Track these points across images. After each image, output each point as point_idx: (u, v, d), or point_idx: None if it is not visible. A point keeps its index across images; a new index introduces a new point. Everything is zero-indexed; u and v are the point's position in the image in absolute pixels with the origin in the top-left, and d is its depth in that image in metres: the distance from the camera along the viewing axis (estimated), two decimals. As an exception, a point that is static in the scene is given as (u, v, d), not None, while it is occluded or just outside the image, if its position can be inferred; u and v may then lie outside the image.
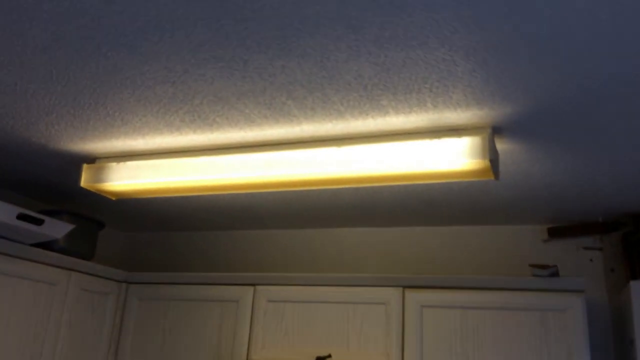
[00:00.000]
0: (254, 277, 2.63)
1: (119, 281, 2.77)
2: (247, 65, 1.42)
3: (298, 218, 2.78)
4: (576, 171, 2.00)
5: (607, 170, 1.97)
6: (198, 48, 1.36)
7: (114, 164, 2.07)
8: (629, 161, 1.87)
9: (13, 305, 2.23)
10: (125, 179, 2.07)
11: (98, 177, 2.09)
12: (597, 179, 2.05)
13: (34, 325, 2.31)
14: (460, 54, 1.31)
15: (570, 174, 2.03)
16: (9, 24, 1.31)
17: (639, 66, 1.32)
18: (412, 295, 2.39)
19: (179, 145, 1.97)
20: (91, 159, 2.16)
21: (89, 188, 2.11)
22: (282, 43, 1.32)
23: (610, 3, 1.10)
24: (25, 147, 2.10)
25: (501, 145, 1.81)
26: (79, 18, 1.26)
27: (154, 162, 2.01)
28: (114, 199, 2.26)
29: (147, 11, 1.22)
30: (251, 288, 2.63)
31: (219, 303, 2.66)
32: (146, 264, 3.32)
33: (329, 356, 2.42)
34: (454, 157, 1.65)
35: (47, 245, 2.41)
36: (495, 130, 1.70)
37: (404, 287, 2.42)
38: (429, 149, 1.68)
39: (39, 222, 2.14)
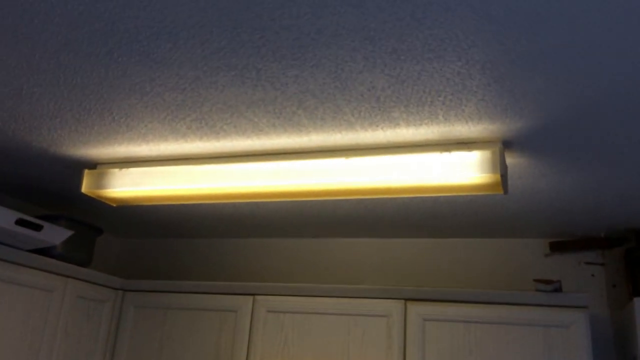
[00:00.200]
0: (254, 286, 2.60)
1: (115, 289, 2.73)
2: (259, 74, 1.41)
3: (299, 227, 2.76)
4: (581, 186, 1.99)
5: (611, 186, 1.96)
6: (211, 56, 1.34)
7: (116, 170, 2.04)
8: (634, 177, 1.87)
9: (9, 312, 2.18)
10: (127, 186, 2.04)
11: (99, 183, 2.06)
12: (601, 194, 2.04)
13: (30, 332, 2.27)
14: (477, 67, 1.30)
15: (575, 189, 2.02)
16: (19, 27, 1.28)
17: (655, 84, 1.31)
18: (415, 308, 2.37)
19: (184, 152, 1.94)
20: (92, 165, 2.13)
21: (90, 194, 2.08)
22: (297, 53, 1.30)
23: (626, 23, 1.10)
24: (26, 151, 2.06)
25: (509, 159, 1.80)
26: (93, 23, 1.24)
27: (157, 169, 1.99)
28: (114, 205, 2.23)
29: (163, 17, 1.20)
30: (250, 298, 2.60)
31: (217, 313, 2.62)
32: (144, 272, 3.28)
33: (329, 368, 2.40)
34: (464, 170, 1.64)
35: (44, 251, 2.37)
36: (505, 144, 1.69)
37: (406, 299, 2.40)
38: (439, 162, 1.67)
39: (38, 227, 2.10)
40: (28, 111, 1.72)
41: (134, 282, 2.76)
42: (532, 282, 2.60)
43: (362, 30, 1.20)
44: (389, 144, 1.74)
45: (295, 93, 1.49)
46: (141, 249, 3.33)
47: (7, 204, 2.64)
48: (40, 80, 1.52)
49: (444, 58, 1.27)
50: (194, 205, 2.51)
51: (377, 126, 1.64)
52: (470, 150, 1.65)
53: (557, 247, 2.66)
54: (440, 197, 2.16)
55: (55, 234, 2.16)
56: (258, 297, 2.58)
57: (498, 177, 1.61)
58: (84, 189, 2.05)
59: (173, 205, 2.52)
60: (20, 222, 2.02)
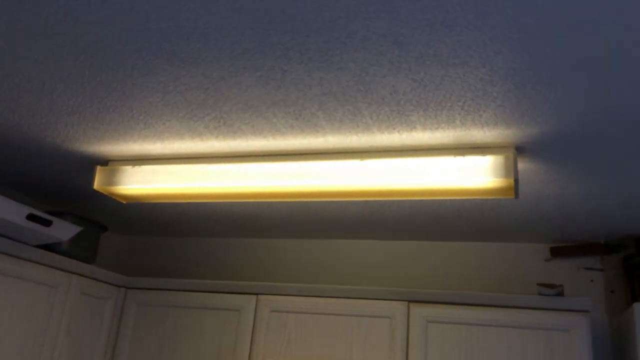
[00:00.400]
0: (257, 286, 2.61)
1: (117, 286, 2.74)
2: (285, 76, 1.43)
3: (304, 228, 2.78)
4: (586, 194, 2.03)
5: (615, 195, 2.01)
6: (239, 56, 1.36)
7: (128, 167, 2.05)
8: (637, 187, 1.91)
9: (15, 307, 2.18)
10: (139, 183, 2.05)
11: (111, 179, 2.07)
12: (604, 202, 2.09)
13: (34, 328, 2.27)
14: (499, 74, 1.33)
15: (580, 196, 2.06)
16: (51, 25, 1.30)
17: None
18: (418, 310, 2.40)
19: (198, 151, 1.96)
20: (103, 162, 2.14)
21: (102, 191, 2.09)
22: (324, 55, 1.33)
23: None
24: (37, 147, 2.07)
25: (519, 165, 1.84)
26: (127, 22, 1.25)
27: (171, 167, 2.00)
28: (124, 202, 2.23)
29: (197, 18, 1.22)
30: (254, 297, 2.61)
31: (220, 311, 2.63)
32: (147, 270, 3.28)
33: (332, 368, 2.42)
34: (478, 174, 1.67)
35: (49, 247, 2.38)
36: (517, 150, 1.73)
37: (410, 301, 2.43)
38: (453, 165, 1.70)
39: (48, 223, 2.10)
40: (47, 106, 1.73)
41: (136, 280, 2.77)
42: (535, 285, 2.66)
43: (391, 35, 1.23)
44: (404, 147, 1.77)
45: (317, 95, 1.51)
46: (145, 247, 3.33)
47: (10, 198, 2.63)
48: (65, 76, 1.53)
49: (469, 64, 1.30)
50: (199, 204, 2.52)
51: (394, 129, 1.67)
52: (484, 155, 1.69)
53: (558, 252, 2.70)
54: (445, 200, 2.19)
55: (64, 230, 2.16)
56: (261, 297, 2.60)
57: (512, 181, 1.64)
58: (96, 185, 2.05)
59: (178, 203, 2.53)
60: (30, 217, 2.03)
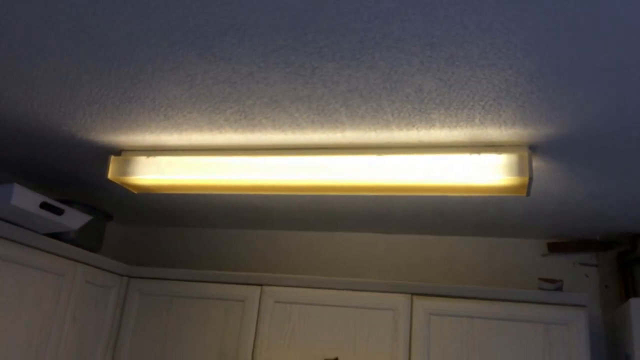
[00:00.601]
0: (262, 277, 2.64)
1: (120, 275, 2.75)
2: (314, 72, 1.46)
3: (310, 220, 2.81)
4: (589, 192, 2.09)
5: (616, 194, 2.07)
6: (272, 53, 1.38)
7: (143, 158, 2.07)
8: (637, 185, 1.98)
9: (23, 295, 2.19)
10: (153, 174, 2.06)
11: (125, 169, 2.08)
12: (605, 201, 2.15)
13: (41, 316, 2.27)
14: (525, 76, 1.37)
15: (583, 195, 2.12)
16: (86, 18, 1.31)
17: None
18: (421, 303, 2.45)
19: (214, 143, 1.98)
20: (116, 152, 2.15)
21: (115, 180, 2.10)
22: (357, 54, 1.36)
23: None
24: (52, 135, 2.07)
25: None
26: (164, 17, 1.27)
27: (187, 159, 2.02)
28: (135, 192, 2.24)
29: (236, 14, 1.24)
30: (258, 288, 2.64)
31: (224, 302, 2.66)
32: (150, 260, 3.28)
33: (336, 359, 2.46)
34: (493, 172, 1.72)
35: (56, 235, 2.38)
36: (529, 149, 1.78)
37: (413, 294, 2.48)
38: (469, 163, 1.75)
39: (60, 212, 2.11)
40: (69, 96, 1.74)
41: (139, 269, 2.78)
42: (532, 280, 2.73)
43: (425, 37, 1.26)
44: (420, 144, 1.81)
45: (343, 92, 1.54)
46: (148, 237, 3.33)
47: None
48: (92, 67, 1.54)
49: (497, 65, 1.34)
50: (205, 195, 2.54)
51: (413, 126, 1.71)
52: (499, 153, 1.73)
53: (555, 248, 2.77)
54: (452, 196, 2.24)
55: (75, 219, 2.17)
56: (266, 288, 2.63)
57: (525, 180, 1.69)
58: (110, 175, 2.06)
59: (185, 194, 2.55)
60: (43, 206, 2.03)
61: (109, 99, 1.73)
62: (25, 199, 1.94)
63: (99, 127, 1.95)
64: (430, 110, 1.60)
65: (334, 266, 2.99)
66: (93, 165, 2.34)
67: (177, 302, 2.70)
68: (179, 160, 2.04)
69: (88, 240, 2.52)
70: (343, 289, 2.54)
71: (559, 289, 2.37)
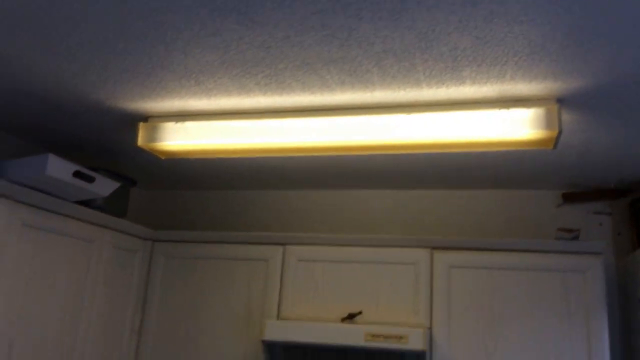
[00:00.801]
0: (284, 237, 2.69)
1: (145, 239, 2.80)
2: (350, 34, 1.47)
3: (328, 179, 2.85)
4: (612, 142, 2.12)
5: (636, 144, 2.10)
6: (311, 16, 1.40)
7: (171, 124, 2.08)
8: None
9: (56, 262, 2.24)
10: (182, 139, 2.08)
11: (154, 136, 2.10)
12: (624, 150, 2.19)
13: (74, 282, 2.33)
14: (563, 31, 1.39)
15: (605, 145, 2.16)
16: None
17: None
18: (441, 256, 2.52)
19: (243, 106, 1.99)
20: (143, 118, 2.16)
21: (144, 147, 2.12)
22: (396, 15, 1.37)
23: None
24: (79, 104, 2.08)
25: (555, 116, 1.92)
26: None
27: (215, 124, 2.04)
28: (163, 158, 2.27)
29: (281, -21, 1.25)
30: (281, 247, 2.70)
31: (248, 262, 2.72)
32: (173, 223, 3.32)
33: (360, 313, 2.54)
34: (522, 127, 1.76)
35: (84, 203, 2.41)
36: (557, 102, 1.81)
37: (433, 248, 2.55)
38: (498, 118, 1.78)
39: (91, 179, 2.14)
40: (102, 65, 1.75)
41: (163, 233, 2.83)
42: (548, 230, 2.80)
43: (467, -5, 1.28)
44: (449, 101, 1.83)
45: (377, 52, 1.56)
46: (171, 201, 3.36)
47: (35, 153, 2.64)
48: (127, 36, 1.55)
49: (535, 21, 1.36)
50: (228, 158, 2.57)
51: (443, 84, 1.73)
52: (528, 108, 1.76)
53: (570, 198, 2.83)
54: (469, 151, 2.28)
55: (105, 186, 2.20)
56: (288, 247, 2.69)
57: (555, 133, 1.73)
58: (140, 142, 2.08)
59: (209, 158, 2.57)
60: (76, 174, 2.06)
61: (141, 66, 1.74)
62: (59, 168, 1.97)
63: (127, 94, 1.96)
64: (462, 68, 1.62)
65: (353, 223, 3.05)
66: (118, 133, 2.35)
67: (202, 264, 2.76)
68: (207, 125, 2.05)
69: (114, 206, 2.56)
70: (364, 246, 2.60)
71: (576, 238, 2.43)
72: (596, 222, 2.82)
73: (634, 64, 1.54)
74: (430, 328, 2.42)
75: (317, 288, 2.62)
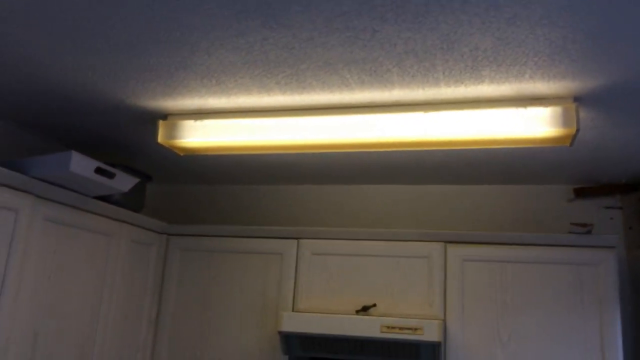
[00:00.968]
0: (298, 231, 2.73)
1: (160, 233, 2.84)
2: (374, 36, 1.49)
3: (341, 174, 2.88)
4: (624, 139, 2.15)
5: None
6: (336, 18, 1.42)
7: (191, 122, 2.11)
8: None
9: (78, 256, 2.28)
10: (201, 137, 2.11)
11: (173, 133, 2.13)
12: (635, 146, 2.21)
13: (95, 274, 2.37)
14: (584, 33, 1.42)
15: (617, 142, 2.18)
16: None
17: None
18: (454, 250, 2.56)
19: (261, 105, 2.02)
20: (162, 116, 2.19)
21: (164, 144, 2.15)
22: (420, 17, 1.39)
23: None
24: (99, 102, 2.11)
25: (571, 114, 1.94)
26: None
27: (234, 122, 2.06)
28: (181, 154, 2.30)
29: (309, -16, 1.27)
30: (295, 241, 2.73)
31: (262, 255, 2.75)
32: (189, 217, 3.36)
33: (374, 305, 2.58)
34: (540, 125, 1.78)
35: (103, 198, 2.45)
36: (574, 100, 1.83)
37: (446, 242, 2.58)
38: (516, 116, 1.80)
39: (112, 175, 2.18)
40: (125, 65, 1.77)
41: (177, 227, 2.87)
42: (563, 224, 2.82)
43: (491, -1, 1.30)
44: (467, 99, 1.86)
45: (399, 53, 1.58)
46: (185, 196, 3.39)
47: (54, 150, 2.68)
48: (152, 36, 1.58)
49: (557, 24, 1.38)
50: (243, 154, 2.59)
51: (462, 83, 1.75)
52: (545, 106, 1.79)
53: (581, 193, 2.86)
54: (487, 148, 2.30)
55: (124, 182, 2.24)
56: (302, 241, 2.72)
57: (572, 131, 1.75)
58: (160, 139, 2.11)
59: (224, 155, 2.60)
60: (97, 170, 2.09)
61: (165, 66, 1.76)
62: (82, 165, 2.01)
63: (149, 93, 1.99)
64: (481, 68, 1.65)
65: (367, 218, 3.08)
66: (136, 130, 2.38)
67: (217, 257, 2.80)
68: (225, 123, 2.08)
69: (132, 201, 2.60)
70: (378, 240, 2.64)
71: (589, 232, 2.46)
72: (607, 217, 2.84)
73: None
74: (444, 320, 2.46)
75: (331, 281, 2.66)
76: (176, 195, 3.40)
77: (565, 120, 1.76)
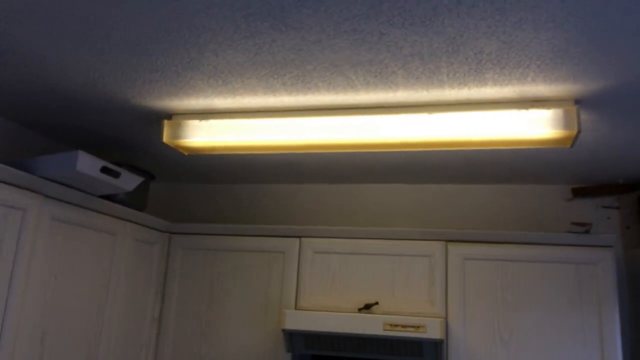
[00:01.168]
0: (300, 229, 2.75)
1: (163, 231, 2.86)
2: (381, 39, 1.52)
3: (343, 174, 2.90)
4: (624, 141, 2.18)
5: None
6: (344, 21, 1.44)
7: (196, 122, 2.13)
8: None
9: (83, 254, 2.30)
10: (206, 136, 2.13)
11: (178, 133, 2.15)
12: (633, 147, 2.24)
13: (100, 272, 2.39)
14: (587, 36, 1.44)
15: (617, 143, 2.21)
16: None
17: None
18: (455, 249, 2.59)
19: (266, 105, 2.04)
20: (167, 116, 2.21)
21: (169, 144, 2.17)
22: (427, 21, 1.42)
23: None
24: (106, 101, 2.13)
25: (572, 115, 1.97)
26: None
27: (239, 122, 2.08)
28: (186, 154, 2.32)
29: (319, -12, 1.29)
30: (297, 240, 2.76)
31: (265, 254, 2.78)
32: (191, 216, 3.38)
33: (376, 303, 2.61)
34: (541, 126, 1.81)
35: (107, 197, 2.47)
36: (575, 102, 1.86)
37: (447, 240, 2.61)
38: (518, 118, 1.83)
39: (117, 175, 2.19)
40: (133, 65, 1.79)
41: (180, 226, 2.89)
42: (561, 224, 2.86)
43: (498, 2, 1.32)
44: (470, 101, 1.88)
45: (405, 55, 1.61)
46: (188, 195, 3.41)
47: (59, 150, 2.70)
48: (164, 37, 1.60)
49: (562, 28, 1.41)
50: (248, 153, 2.61)
51: (465, 85, 1.78)
52: (547, 109, 1.82)
53: (579, 193, 2.90)
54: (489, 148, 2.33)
55: (130, 181, 2.25)
56: (304, 239, 2.75)
57: (574, 132, 1.78)
58: (165, 138, 2.13)
59: (227, 154, 2.62)
60: (103, 170, 2.11)
61: (172, 67, 1.78)
62: (89, 164, 2.02)
63: (155, 93, 2.01)
64: (485, 71, 1.67)
65: (369, 217, 3.11)
66: (141, 129, 2.40)
67: (220, 256, 2.82)
68: (230, 123, 2.10)
69: (135, 200, 2.62)
70: (380, 238, 2.67)
71: (588, 231, 2.50)
72: (605, 216, 2.88)
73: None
74: (445, 318, 2.49)
75: (333, 279, 2.68)
76: (179, 194, 3.42)
77: (566, 122, 1.79)
